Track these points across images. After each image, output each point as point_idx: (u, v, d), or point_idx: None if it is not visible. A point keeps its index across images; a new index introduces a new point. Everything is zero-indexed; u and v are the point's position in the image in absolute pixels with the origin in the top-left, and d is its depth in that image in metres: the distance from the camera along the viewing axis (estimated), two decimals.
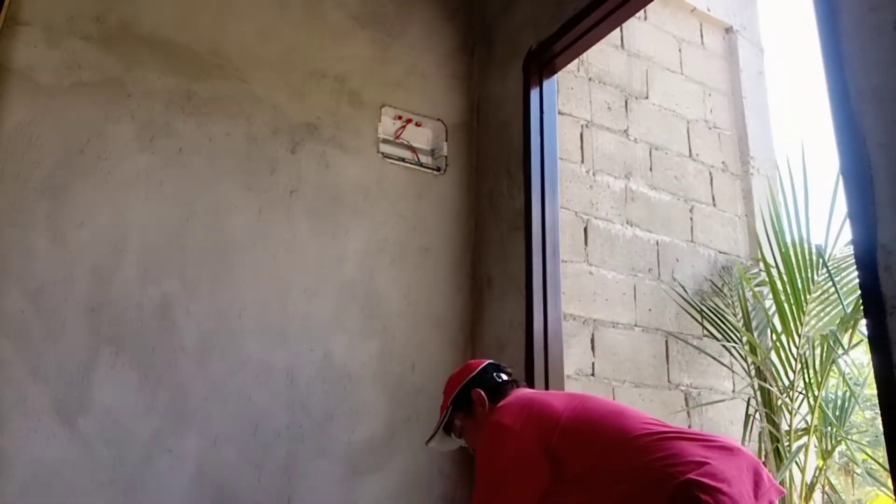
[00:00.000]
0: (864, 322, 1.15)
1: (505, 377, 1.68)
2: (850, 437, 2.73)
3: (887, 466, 1.07)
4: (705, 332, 2.85)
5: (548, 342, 2.13)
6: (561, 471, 1.35)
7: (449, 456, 2.31)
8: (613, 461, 1.31)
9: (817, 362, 2.61)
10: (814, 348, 2.61)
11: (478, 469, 1.48)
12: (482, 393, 1.63)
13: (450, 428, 1.71)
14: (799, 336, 2.63)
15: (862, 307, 1.14)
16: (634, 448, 1.29)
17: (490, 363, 1.72)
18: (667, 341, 2.75)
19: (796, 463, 2.59)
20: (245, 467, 1.99)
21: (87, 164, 1.96)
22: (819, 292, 2.65)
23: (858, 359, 2.97)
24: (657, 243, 2.88)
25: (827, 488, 2.69)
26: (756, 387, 2.76)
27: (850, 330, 2.58)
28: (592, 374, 2.56)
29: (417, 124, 2.59)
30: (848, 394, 2.77)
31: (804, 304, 2.62)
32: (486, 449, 1.45)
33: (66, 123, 1.96)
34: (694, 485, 1.16)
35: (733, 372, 2.86)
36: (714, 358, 2.78)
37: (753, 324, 2.86)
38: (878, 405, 1.09)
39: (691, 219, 3.05)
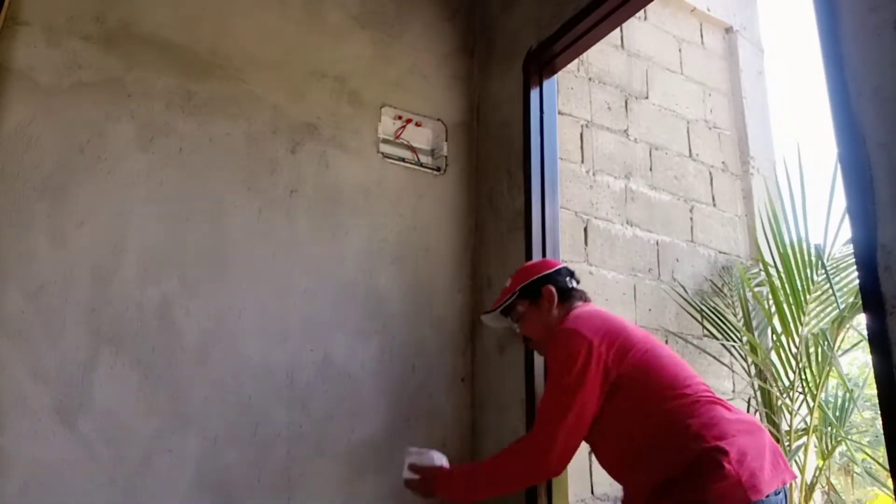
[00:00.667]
0: (863, 322, 1.15)
1: (575, 284, 1.76)
2: (849, 437, 2.73)
3: (887, 466, 1.07)
4: (705, 332, 2.85)
5: None
6: (612, 397, 1.49)
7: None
8: (656, 407, 1.46)
9: (812, 363, 2.61)
10: (807, 348, 2.61)
11: (552, 373, 1.56)
12: (553, 291, 1.71)
13: (509, 311, 1.79)
14: (799, 336, 2.63)
15: (860, 306, 1.14)
16: (678, 403, 1.44)
17: (565, 266, 1.80)
18: (667, 341, 2.75)
19: (796, 463, 2.59)
20: (245, 467, 1.99)
21: (87, 164, 1.96)
22: (819, 292, 2.65)
23: (859, 359, 2.97)
24: (657, 243, 2.89)
25: (827, 488, 2.69)
26: (756, 387, 2.76)
27: (845, 329, 2.58)
28: None
29: (417, 124, 2.59)
30: (848, 394, 2.77)
31: (804, 304, 2.62)
32: (563, 356, 1.53)
33: (66, 123, 1.96)
34: (720, 451, 1.34)
35: (733, 372, 2.86)
36: (714, 357, 2.78)
37: (753, 324, 2.86)
38: (878, 405, 1.09)
39: (691, 219, 3.05)
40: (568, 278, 1.76)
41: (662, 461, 1.42)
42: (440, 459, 1.75)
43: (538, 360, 2.10)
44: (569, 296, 1.72)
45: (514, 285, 1.77)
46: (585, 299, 1.75)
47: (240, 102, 2.24)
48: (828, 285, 2.61)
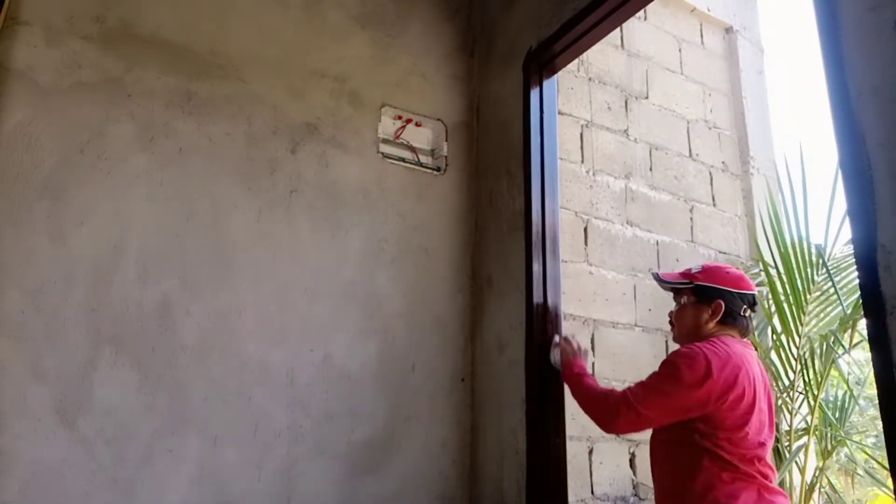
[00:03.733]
0: (863, 322, 1.15)
1: (750, 314, 1.78)
2: (849, 437, 2.73)
3: (887, 466, 1.07)
4: None
5: (548, 342, 2.12)
6: (694, 425, 1.61)
7: (449, 456, 2.31)
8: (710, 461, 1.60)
9: (817, 362, 2.61)
10: (813, 349, 2.61)
11: (672, 366, 1.64)
12: (722, 307, 1.74)
13: (677, 291, 1.83)
14: (799, 336, 2.63)
15: (861, 307, 1.14)
16: (738, 461, 1.58)
17: (755, 295, 1.81)
18: (667, 341, 2.76)
19: (796, 463, 2.59)
20: (245, 467, 1.99)
21: (87, 164, 1.96)
22: (819, 292, 2.65)
23: (858, 359, 2.96)
24: (657, 243, 2.89)
25: (827, 489, 2.69)
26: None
27: (851, 330, 2.58)
28: (592, 374, 2.56)
29: (417, 124, 2.59)
30: (848, 394, 2.77)
31: (804, 304, 2.62)
32: (681, 363, 1.62)
33: (66, 123, 1.96)
34: None
35: None
36: None
37: (753, 323, 2.86)
38: (878, 405, 1.09)
39: (691, 219, 3.05)
40: (745, 306, 1.76)
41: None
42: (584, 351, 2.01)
43: (538, 361, 2.10)
44: (733, 322, 1.75)
45: (698, 276, 1.80)
46: (744, 334, 1.78)
47: (240, 102, 2.24)
48: (828, 285, 2.61)
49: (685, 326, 1.80)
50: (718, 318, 1.73)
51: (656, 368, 1.70)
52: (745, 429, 1.59)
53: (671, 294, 1.90)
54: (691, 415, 1.61)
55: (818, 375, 2.59)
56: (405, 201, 2.48)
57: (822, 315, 2.65)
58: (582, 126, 2.83)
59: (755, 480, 1.59)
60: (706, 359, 1.60)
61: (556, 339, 2.07)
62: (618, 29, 2.94)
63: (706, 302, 1.75)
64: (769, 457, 1.66)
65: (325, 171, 2.34)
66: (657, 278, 1.90)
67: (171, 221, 2.05)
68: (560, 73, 2.45)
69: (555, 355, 2.03)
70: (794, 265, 2.65)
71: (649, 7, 3.13)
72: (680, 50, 3.32)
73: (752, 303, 1.78)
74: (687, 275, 1.82)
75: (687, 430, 1.62)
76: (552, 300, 2.15)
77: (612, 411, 1.67)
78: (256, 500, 1.98)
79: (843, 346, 2.56)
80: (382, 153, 2.48)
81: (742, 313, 1.75)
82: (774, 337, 2.75)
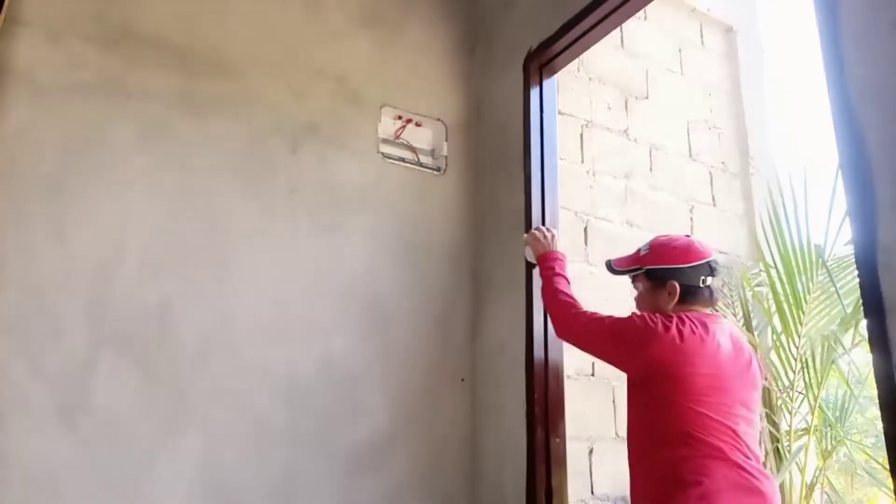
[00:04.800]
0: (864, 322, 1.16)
1: (711, 281, 1.66)
2: (849, 437, 2.73)
3: (887, 466, 1.07)
4: None
5: (548, 342, 2.13)
6: (641, 382, 1.58)
7: (449, 456, 2.31)
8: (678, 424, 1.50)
9: (818, 362, 2.61)
10: (814, 348, 2.61)
11: (638, 312, 1.63)
12: (677, 287, 1.64)
13: (633, 278, 1.78)
14: (799, 336, 2.63)
15: (862, 307, 1.14)
16: (699, 429, 1.48)
17: (710, 261, 1.68)
18: None
19: (796, 463, 2.59)
20: (245, 467, 1.99)
21: (87, 164, 1.96)
22: (819, 292, 2.65)
23: (858, 359, 2.96)
24: None
25: (827, 489, 2.69)
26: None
27: (852, 330, 2.58)
28: (592, 374, 2.56)
29: (417, 124, 2.59)
30: (848, 394, 2.77)
31: (804, 304, 2.62)
32: (650, 317, 1.56)
33: (66, 123, 1.96)
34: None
35: None
36: None
37: (753, 323, 2.86)
38: (878, 405, 1.09)
39: (691, 219, 3.05)
40: (702, 278, 1.65)
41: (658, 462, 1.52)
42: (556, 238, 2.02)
43: (538, 361, 2.10)
44: (693, 297, 1.65)
45: (644, 258, 1.72)
46: (710, 304, 1.68)
47: (240, 102, 2.24)
48: (828, 285, 2.61)
49: (646, 307, 1.71)
50: (677, 298, 1.63)
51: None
52: (709, 396, 1.50)
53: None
54: (637, 361, 1.56)
55: (818, 375, 2.59)
56: (405, 201, 2.48)
57: (822, 315, 2.65)
58: (582, 126, 2.83)
59: (730, 457, 1.48)
60: (674, 319, 1.55)
61: (525, 236, 2.08)
62: (618, 29, 2.93)
63: (660, 285, 1.66)
64: (750, 437, 1.53)
65: (325, 171, 2.34)
66: (609, 266, 1.82)
67: (171, 221, 2.04)
68: (560, 73, 2.45)
69: (527, 252, 2.05)
70: (795, 265, 2.65)
71: (649, 7, 3.12)
72: (680, 50, 3.32)
73: (709, 271, 1.66)
74: (636, 258, 1.76)
75: (650, 396, 1.56)
76: None
77: (564, 317, 1.74)
78: (256, 500, 1.98)
79: (842, 346, 2.56)
80: (382, 153, 2.48)
81: (700, 284, 1.64)
82: (774, 337, 2.75)
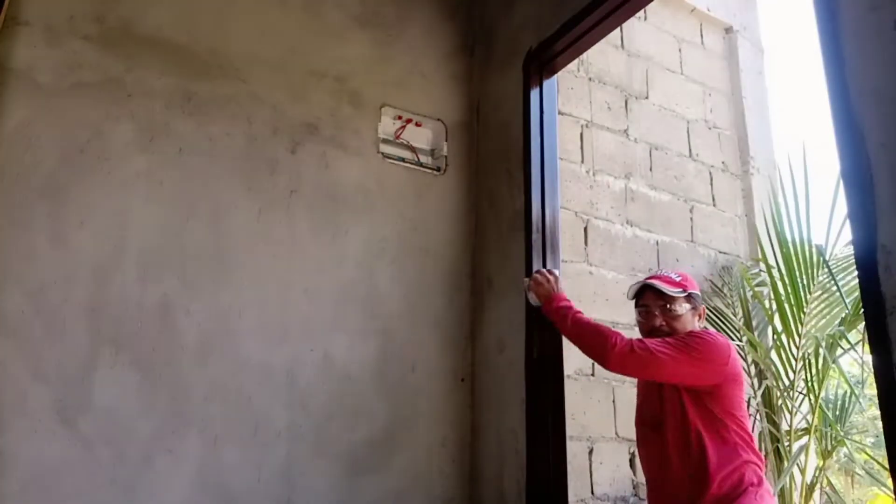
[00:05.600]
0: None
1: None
2: (850, 437, 2.73)
3: (887, 466, 1.07)
4: None
5: (548, 342, 2.12)
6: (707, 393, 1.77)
7: (449, 456, 2.31)
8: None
9: (818, 362, 2.61)
10: (817, 349, 2.60)
11: (691, 339, 1.79)
12: (705, 311, 1.99)
13: (670, 299, 1.90)
14: (799, 336, 2.63)
15: (862, 307, 1.14)
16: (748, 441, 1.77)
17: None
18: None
19: (796, 463, 2.59)
20: (245, 467, 1.99)
21: (87, 164, 1.96)
22: (820, 292, 2.65)
23: (857, 359, 2.96)
24: (657, 243, 2.89)
25: (827, 488, 2.69)
26: (756, 386, 2.76)
27: (856, 330, 2.58)
28: (592, 374, 2.56)
29: (417, 124, 2.59)
30: (848, 394, 2.77)
31: (805, 303, 2.62)
32: (711, 342, 1.79)
33: (66, 123, 1.96)
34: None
35: None
36: None
37: (753, 324, 2.86)
38: (877, 405, 1.09)
39: (691, 219, 3.05)
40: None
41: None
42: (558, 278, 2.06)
43: (538, 361, 2.10)
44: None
45: (683, 283, 1.92)
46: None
47: (240, 102, 2.24)
48: (829, 285, 2.61)
49: (681, 329, 1.88)
50: (701, 319, 1.94)
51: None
52: (745, 409, 1.81)
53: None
54: (699, 382, 1.75)
55: (819, 375, 2.59)
56: (405, 201, 2.48)
57: (822, 315, 2.65)
58: (582, 126, 2.83)
59: (759, 463, 1.76)
60: (728, 343, 1.81)
61: (526, 280, 2.10)
62: (618, 29, 2.94)
63: (696, 307, 1.93)
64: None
65: (325, 171, 2.34)
66: (651, 287, 1.92)
67: (171, 221, 2.04)
68: (560, 73, 2.45)
69: (531, 297, 2.06)
70: (796, 265, 2.65)
71: (649, 7, 3.12)
72: (680, 50, 3.32)
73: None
74: (675, 283, 1.92)
75: (697, 413, 1.76)
76: None
77: (605, 347, 1.77)
78: (256, 500, 1.98)
79: (850, 343, 2.55)
80: (382, 153, 2.48)
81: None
82: (775, 337, 2.75)
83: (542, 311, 2.01)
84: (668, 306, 1.88)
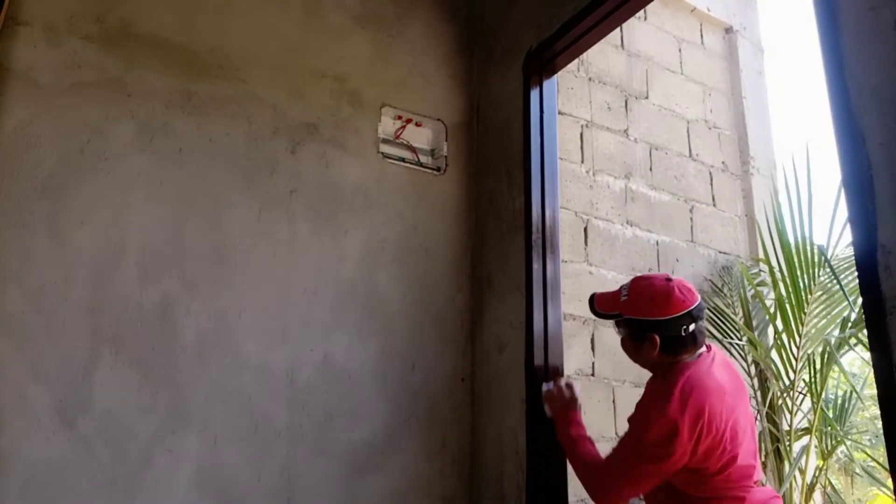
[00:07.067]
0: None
1: (692, 329, 1.61)
2: (849, 437, 2.73)
3: (887, 466, 1.07)
4: None
5: (548, 342, 2.12)
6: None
7: (449, 456, 2.31)
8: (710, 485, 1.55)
9: (823, 361, 2.61)
10: (825, 349, 2.60)
11: (633, 426, 1.58)
12: (657, 341, 1.59)
13: (615, 322, 1.73)
14: (800, 336, 2.63)
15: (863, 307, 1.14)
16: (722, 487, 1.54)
17: (691, 310, 1.61)
18: None
19: (798, 466, 2.59)
20: (245, 467, 1.99)
21: (87, 164, 1.96)
22: (820, 292, 2.65)
23: (858, 358, 2.96)
24: (657, 243, 2.89)
25: (827, 488, 2.69)
26: (756, 386, 2.76)
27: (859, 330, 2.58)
28: (592, 374, 2.56)
29: (417, 124, 2.59)
30: (848, 394, 2.77)
31: (805, 303, 2.62)
32: (646, 422, 1.53)
33: (66, 123, 1.96)
34: None
35: None
36: None
37: (754, 323, 2.86)
38: (877, 405, 1.09)
39: (691, 219, 3.05)
40: (685, 326, 1.60)
41: None
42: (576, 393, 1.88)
43: (538, 361, 2.10)
44: (675, 348, 1.60)
45: (624, 305, 1.66)
46: (697, 346, 1.63)
47: (240, 102, 2.24)
48: (829, 285, 2.61)
49: (636, 360, 1.71)
50: (657, 349, 1.59)
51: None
52: (731, 467, 1.54)
53: None
54: (672, 470, 1.54)
55: (819, 374, 2.59)
56: (405, 201, 2.48)
57: (823, 315, 2.65)
58: (582, 126, 2.83)
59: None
60: (665, 406, 1.50)
61: (545, 386, 1.92)
62: (618, 29, 2.94)
63: (642, 338, 1.62)
64: (755, 458, 1.61)
65: (325, 171, 2.34)
66: (591, 302, 1.77)
67: (171, 221, 2.04)
68: (560, 73, 2.45)
69: (546, 407, 1.90)
70: (797, 265, 2.65)
71: (649, 7, 3.12)
72: (680, 50, 3.32)
73: (691, 319, 1.60)
74: (616, 303, 1.68)
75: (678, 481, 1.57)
76: (552, 300, 2.15)
77: (594, 484, 1.65)
78: (256, 500, 1.98)
79: (861, 342, 2.54)
80: (382, 153, 2.48)
81: (682, 334, 1.59)
82: (776, 336, 2.75)
83: (555, 428, 1.85)
84: (615, 326, 1.72)
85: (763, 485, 1.65)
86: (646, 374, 1.72)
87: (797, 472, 2.58)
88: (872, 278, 1.10)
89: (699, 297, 1.67)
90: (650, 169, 2.98)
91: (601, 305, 1.75)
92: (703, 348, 1.66)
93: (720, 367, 1.63)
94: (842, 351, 2.60)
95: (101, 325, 1.88)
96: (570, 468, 1.84)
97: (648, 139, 3.02)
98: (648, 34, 3.21)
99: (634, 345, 1.66)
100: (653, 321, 1.61)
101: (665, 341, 1.60)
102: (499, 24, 2.69)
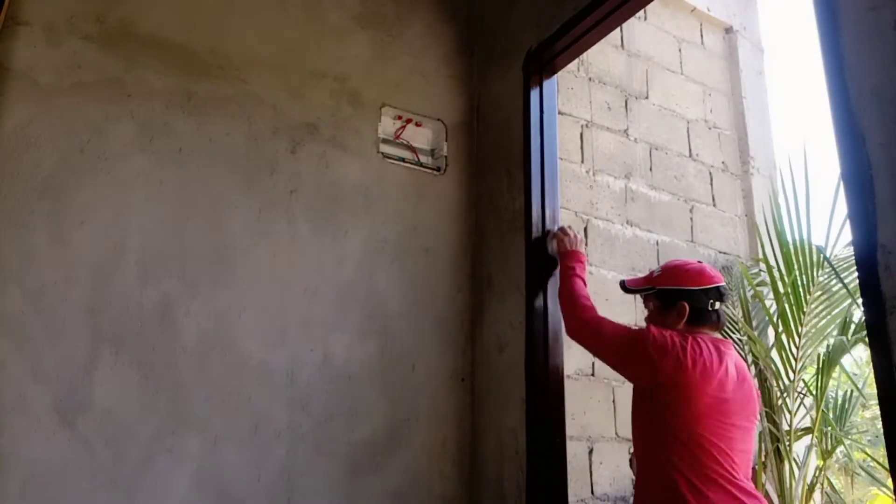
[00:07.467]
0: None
1: (717, 307, 1.73)
2: (849, 437, 2.73)
3: (887, 466, 1.07)
4: None
5: (548, 342, 2.12)
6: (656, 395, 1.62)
7: (449, 456, 2.31)
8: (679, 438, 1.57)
9: (828, 361, 2.61)
10: (829, 349, 2.60)
11: (648, 330, 1.65)
12: (686, 310, 1.70)
13: (645, 297, 1.84)
14: (799, 336, 2.63)
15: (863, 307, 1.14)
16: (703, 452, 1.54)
17: (720, 286, 1.75)
18: None
19: (796, 463, 2.59)
20: (245, 467, 1.99)
21: (87, 164, 1.96)
22: (820, 292, 2.65)
23: (859, 358, 2.97)
24: (657, 243, 2.89)
25: (827, 488, 2.69)
26: (756, 386, 2.76)
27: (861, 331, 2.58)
28: (592, 374, 2.56)
29: (417, 124, 2.59)
30: (848, 394, 2.77)
31: (805, 303, 2.62)
32: (649, 326, 1.67)
33: (66, 123, 1.96)
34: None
35: None
36: None
37: (753, 323, 2.86)
38: (878, 405, 1.09)
39: (691, 219, 3.05)
40: (711, 301, 1.72)
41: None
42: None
43: (538, 361, 2.10)
44: (701, 320, 1.71)
45: (657, 278, 1.79)
46: (717, 328, 1.74)
47: (240, 102, 2.24)
48: (829, 285, 2.61)
49: (656, 325, 1.75)
50: (685, 318, 1.70)
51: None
52: (710, 417, 1.56)
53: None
54: (641, 373, 1.64)
55: (825, 374, 2.59)
56: (405, 201, 2.48)
57: (822, 314, 2.65)
58: (582, 126, 2.83)
59: (725, 477, 1.55)
60: (683, 339, 1.62)
61: (552, 229, 2.15)
62: (618, 29, 2.94)
63: (671, 305, 1.73)
64: (745, 460, 1.60)
65: (325, 171, 2.34)
66: (623, 286, 1.90)
67: (171, 221, 2.04)
68: (560, 73, 2.45)
69: (552, 246, 2.13)
70: (796, 264, 2.65)
71: (649, 7, 3.12)
72: (680, 50, 3.32)
73: (718, 296, 1.73)
74: (649, 279, 1.82)
75: (655, 406, 1.63)
76: (552, 300, 2.15)
77: (571, 318, 1.81)
78: (256, 500, 1.98)
79: (864, 344, 2.55)
80: (382, 153, 2.48)
81: (709, 308, 1.71)
82: (775, 336, 2.75)
83: (558, 265, 2.03)
84: (645, 304, 1.84)
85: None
86: None
87: (797, 472, 2.58)
88: (872, 278, 1.10)
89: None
90: (650, 169, 2.98)
91: (632, 283, 1.88)
92: (722, 335, 1.77)
93: (733, 362, 1.67)
94: (846, 352, 2.60)
95: (101, 325, 1.88)
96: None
97: (648, 139, 3.02)
98: (648, 34, 3.21)
99: (663, 315, 1.75)
100: (685, 289, 1.73)
101: (693, 312, 1.70)
102: (499, 24, 2.69)
